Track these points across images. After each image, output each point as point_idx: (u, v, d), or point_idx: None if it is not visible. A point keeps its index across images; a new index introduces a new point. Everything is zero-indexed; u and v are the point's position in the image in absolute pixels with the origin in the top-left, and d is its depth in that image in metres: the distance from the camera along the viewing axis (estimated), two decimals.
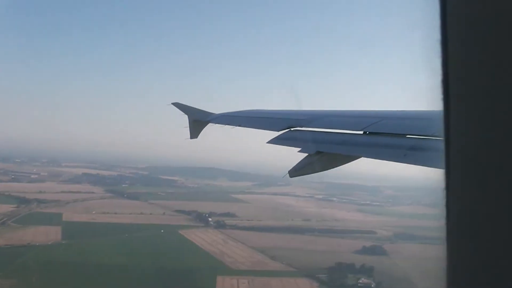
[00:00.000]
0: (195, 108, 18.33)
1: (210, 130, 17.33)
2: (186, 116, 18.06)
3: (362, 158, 11.27)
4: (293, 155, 12.13)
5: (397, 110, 12.57)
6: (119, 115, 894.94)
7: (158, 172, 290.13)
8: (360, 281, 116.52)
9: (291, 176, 12.11)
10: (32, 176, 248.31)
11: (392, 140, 10.68)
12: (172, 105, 18.46)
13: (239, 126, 15.54)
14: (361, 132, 11.58)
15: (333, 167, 12.17)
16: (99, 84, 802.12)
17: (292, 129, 13.46)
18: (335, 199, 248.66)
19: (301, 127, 13.43)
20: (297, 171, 12.05)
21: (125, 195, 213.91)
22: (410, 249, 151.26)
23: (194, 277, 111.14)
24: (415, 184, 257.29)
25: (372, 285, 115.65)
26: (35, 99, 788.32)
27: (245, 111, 17.16)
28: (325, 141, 12.39)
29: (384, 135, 11.07)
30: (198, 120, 17.64)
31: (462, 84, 2.61)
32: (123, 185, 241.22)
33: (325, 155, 11.95)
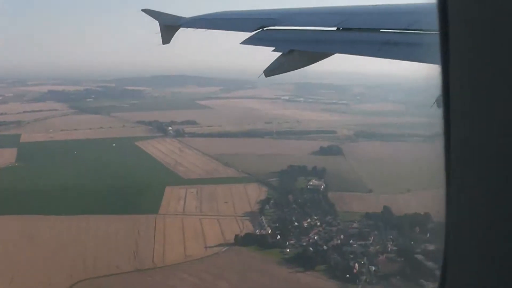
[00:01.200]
0: (166, 13, 17.74)
1: (183, 35, 16.97)
2: (157, 22, 17.54)
3: (336, 54, 11.31)
4: (267, 55, 12.24)
5: (369, 5, 12.20)
6: (87, 27, 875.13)
7: (126, 84, 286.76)
8: (310, 183, 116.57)
9: (266, 76, 12.21)
10: None
11: (366, 35, 10.63)
12: (142, 11, 17.92)
13: (211, 29, 15.36)
14: (334, 29, 11.40)
15: (308, 65, 12.24)
16: None
17: (264, 28, 13.23)
18: (301, 99, 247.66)
19: (274, 26, 13.17)
20: (272, 70, 12.15)
21: (88, 110, 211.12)
22: (367, 148, 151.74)
23: (142, 189, 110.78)
24: (385, 80, 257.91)
25: (322, 187, 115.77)
26: None
27: (217, 13, 16.85)
28: (299, 40, 12.45)
29: (358, 31, 10.99)
30: (169, 25, 17.10)
31: (462, 78, 2.60)
32: (88, 100, 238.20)
33: (300, 53, 12.02)
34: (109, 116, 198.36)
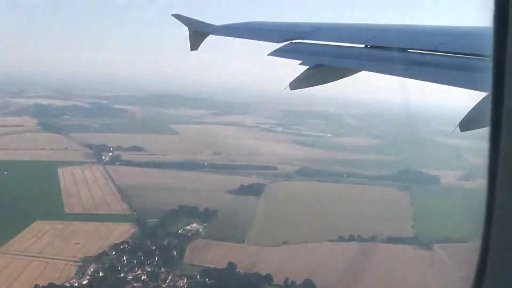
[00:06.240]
0: (196, 19, 17.97)
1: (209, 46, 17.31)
2: (187, 28, 17.63)
3: (362, 72, 11.51)
4: (294, 68, 12.28)
5: (399, 24, 12.80)
6: (108, 35, 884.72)
7: (119, 101, 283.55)
8: (188, 227, 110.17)
9: (291, 89, 12.24)
10: None
11: (393, 54, 10.66)
12: (172, 16, 18.01)
13: (240, 37, 15.68)
14: (362, 46, 11.70)
15: (333, 81, 12.40)
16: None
17: (293, 41, 13.55)
18: (280, 129, 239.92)
19: (303, 39, 13.47)
20: (297, 83, 12.22)
21: (53, 128, 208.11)
22: (295, 189, 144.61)
23: (6, 220, 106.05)
24: (388, 111, 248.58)
25: (200, 230, 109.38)
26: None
27: (247, 23, 17.01)
28: (326, 54, 12.59)
29: (385, 49, 11.17)
30: (198, 32, 17.41)
31: None
32: (64, 117, 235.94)
33: (326, 68, 12.14)
34: (67, 136, 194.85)
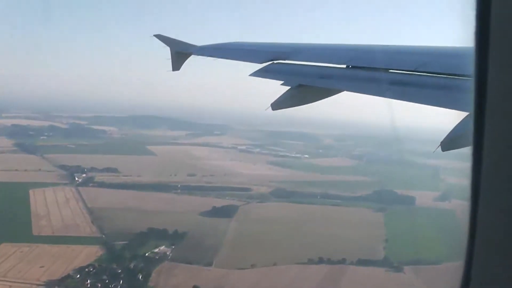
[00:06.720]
0: (178, 40, 18.01)
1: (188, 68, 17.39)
2: (169, 49, 17.70)
3: (344, 92, 11.53)
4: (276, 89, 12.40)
5: (380, 45, 12.90)
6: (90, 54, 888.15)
7: (99, 122, 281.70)
8: (157, 250, 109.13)
9: (273, 109, 12.17)
10: None
11: (375, 74, 10.77)
12: (155, 37, 18.03)
13: (222, 58, 15.67)
14: (344, 66, 11.73)
15: (315, 101, 12.42)
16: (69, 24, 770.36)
17: (275, 61, 13.58)
18: (257, 150, 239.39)
19: (284, 60, 13.49)
20: (279, 104, 12.22)
21: (29, 149, 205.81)
22: (267, 210, 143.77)
23: None
24: (368, 132, 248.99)
25: (168, 253, 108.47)
26: None
27: (228, 43, 17.05)
28: (308, 74, 12.59)
29: (367, 69, 11.19)
30: (180, 52, 17.38)
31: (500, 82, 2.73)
32: (41, 137, 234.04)
33: (308, 88, 12.20)
34: (41, 157, 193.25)
